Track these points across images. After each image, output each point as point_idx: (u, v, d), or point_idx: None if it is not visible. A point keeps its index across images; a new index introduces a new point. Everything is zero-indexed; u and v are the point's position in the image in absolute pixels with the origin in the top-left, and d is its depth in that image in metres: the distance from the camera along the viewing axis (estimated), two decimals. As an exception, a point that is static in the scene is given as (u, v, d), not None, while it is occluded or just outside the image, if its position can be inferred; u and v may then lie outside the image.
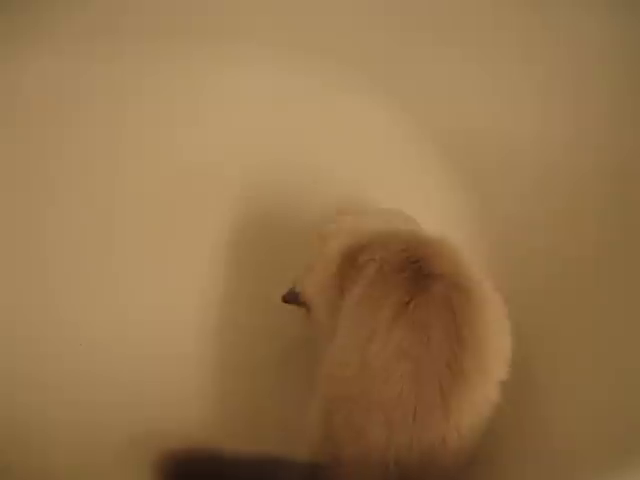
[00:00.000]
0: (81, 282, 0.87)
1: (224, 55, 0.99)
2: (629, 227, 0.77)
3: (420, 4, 0.95)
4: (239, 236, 0.92)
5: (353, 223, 0.73)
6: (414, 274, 0.58)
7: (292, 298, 0.76)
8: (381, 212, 0.79)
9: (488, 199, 0.92)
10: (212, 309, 0.86)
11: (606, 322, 0.72)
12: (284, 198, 0.94)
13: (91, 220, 0.91)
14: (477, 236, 0.89)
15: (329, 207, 0.90)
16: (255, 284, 0.88)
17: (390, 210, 0.79)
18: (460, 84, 0.95)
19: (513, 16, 0.91)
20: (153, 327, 0.83)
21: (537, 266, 0.84)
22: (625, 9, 0.83)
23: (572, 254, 0.81)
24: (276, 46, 0.98)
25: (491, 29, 0.93)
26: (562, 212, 0.85)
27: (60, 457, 0.73)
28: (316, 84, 0.99)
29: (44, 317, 0.83)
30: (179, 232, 0.91)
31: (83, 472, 0.71)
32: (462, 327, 0.56)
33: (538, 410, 0.70)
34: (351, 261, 0.65)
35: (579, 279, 0.79)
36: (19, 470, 0.70)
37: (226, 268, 0.89)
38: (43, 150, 0.93)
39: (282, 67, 0.99)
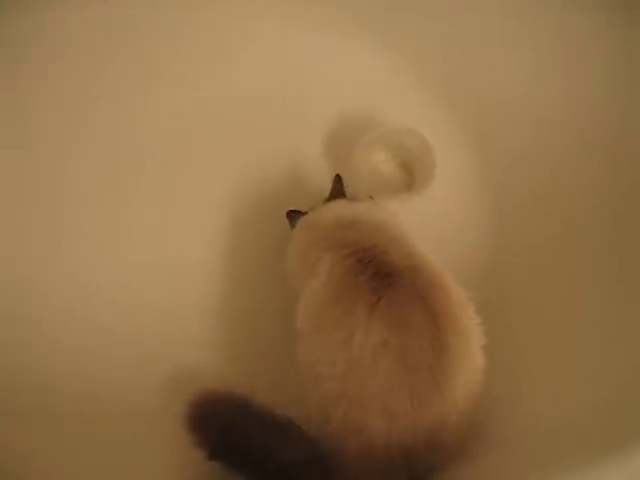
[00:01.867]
0: (89, 231, 0.89)
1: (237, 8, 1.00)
2: (619, 196, 0.80)
3: None
4: (243, 189, 0.93)
5: (339, 207, 0.77)
6: (373, 275, 0.62)
7: (293, 218, 0.81)
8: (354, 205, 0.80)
9: (483, 144, 0.94)
10: (216, 261, 0.88)
11: (591, 298, 0.75)
12: (286, 141, 0.95)
13: (102, 169, 0.93)
14: (469, 188, 0.92)
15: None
16: (258, 238, 0.89)
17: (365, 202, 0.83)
18: (457, 38, 0.96)
19: None
20: (158, 276, 0.86)
21: (529, 232, 0.86)
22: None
23: (561, 220, 0.84)
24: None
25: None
26: (555, 173, 0.87)
27: (62, 403, 0.75)
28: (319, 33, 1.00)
29: (52, 270, 0.86)
30: (186, 186, 0.92)
31: (85, 419, 0.74)
32: (434, 308, 0.60)
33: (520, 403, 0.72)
34: (318, 242, 0.70)
35: (565, 254, 0.81)
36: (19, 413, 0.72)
37: (231, 223, 0.90)
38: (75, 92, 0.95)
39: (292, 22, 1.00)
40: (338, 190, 0.82)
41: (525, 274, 0.82)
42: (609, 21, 0.85)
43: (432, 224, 0.85)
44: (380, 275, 0.62)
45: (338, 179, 0.83)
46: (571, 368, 0.70)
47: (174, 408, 0.65)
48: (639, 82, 0.83)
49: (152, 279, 0.85)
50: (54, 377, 0.77)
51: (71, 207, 0.90)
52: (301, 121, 0.96)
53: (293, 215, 0.81)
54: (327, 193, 0.84)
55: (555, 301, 0.78)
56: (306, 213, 0.80)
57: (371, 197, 0.85)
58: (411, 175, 0.93)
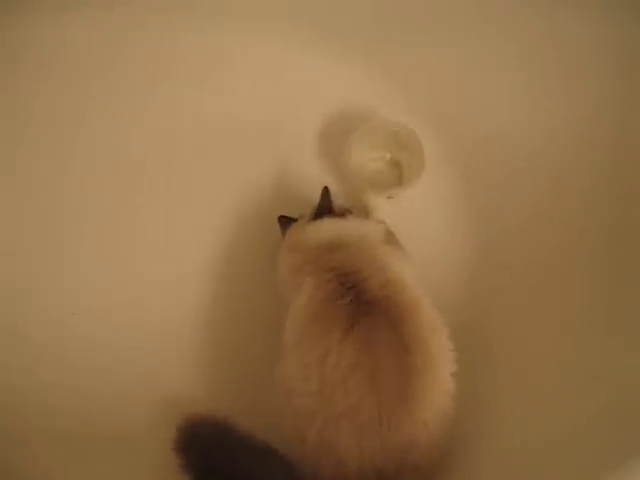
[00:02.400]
0: (86, 244, 0.91)
1: (236, 30, 1.01)
2: (612, 212, 0.81)
3: None
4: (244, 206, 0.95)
5: (323, 228, 0.79)
6: (352, 301, 0.66)
7: (284, 224, 0.84)
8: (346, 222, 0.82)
9: (469, 170, 0.94)
10: (211, 277, 0.90)
11: (576, 321, 0.77)
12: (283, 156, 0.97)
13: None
14: (456, 211, 0.93)
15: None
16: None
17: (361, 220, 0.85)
18: (446, 58, 0.97)
19: (502, 6, 0.92)
20: (154, 292, 0.88)
21: (513, 255, 0.87)
22: (612, 6, 0.84)
23: (554, 239, 0.85)
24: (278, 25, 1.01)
25: (484, 14, 0.94)
26: (546, 194, 0.88)
27: (59, 420, 0.78)
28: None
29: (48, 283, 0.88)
30: (183, 202, 0.94)
31: (82, 436, 0.77)
32: (405, 336, 0.64)
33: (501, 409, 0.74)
34: (302, 266, 0.74)
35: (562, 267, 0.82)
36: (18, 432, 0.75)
37: (227, 237, 0.92)
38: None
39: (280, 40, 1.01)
40: (325, 203, 0.83)
41: (509, 297, 0.84)
42: (603, 43, 0.87)
43: (415, 244, 0.85)
44: (358, 302, 0.66)
45: (326, 191, 0.84)
46: (553, 390, 0.72)
47: (165, 429, 0.68)
48: (632, 107, 0.84)
49: (148, 295, 0.88)
50: (51, 393, 0.80)
51: (68, 218, 0.93)
52: (292, 134, 0.98)
53: (284, 221, 0.85)
54: (316, 202, 0.85)
55: (539, 323, 0.80)
56: (296, 220, 0.83)
57: (349, 211, 0.86)
58: (400, 170, 0.95)
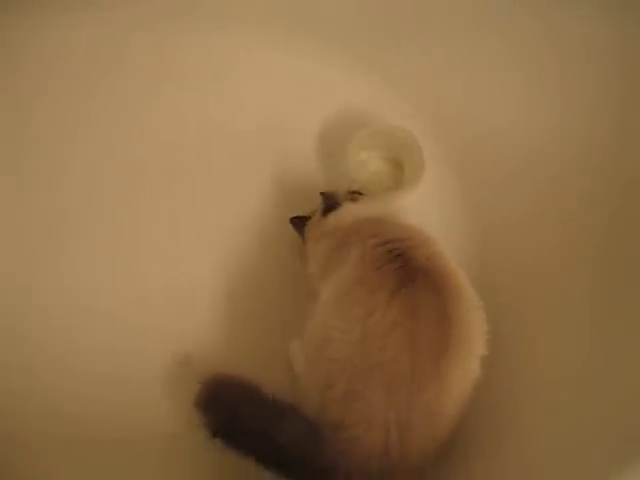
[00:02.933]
0: (90, 248, 0.91)
1: (240, 34, 1.02)
2: (610, 213, 0.82)
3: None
4: (254, 194, 0.95)
5: (355, 208, 0.81)
6: (402, 266, 0.68)
7: (297, 224, 0.86)
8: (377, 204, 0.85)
9: (469, 174, 0.96)
10: (220, 280, 0.89)
11: (578, 318, 0.77)
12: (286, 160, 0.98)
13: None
14: (453, 211, 0.95)
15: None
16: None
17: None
18: (447, 70, 0.99)
19: (502, 10, 0.94)
20: (160, 296, 0.87)
21: (512, 253, 0.89)
22: (610, 6, 0.86)
23: (552, 239, 0.86)
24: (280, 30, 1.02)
25: (480, 18, 0.96)
26: (543, 194, 0.89)
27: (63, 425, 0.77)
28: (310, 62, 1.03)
29: (53, 287, 0.87)
30: (186, 203, 0.94)
31: (86, 441, 0.76)
32: (447, 307, 0.66)
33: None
34: (344, 240, 0.75)
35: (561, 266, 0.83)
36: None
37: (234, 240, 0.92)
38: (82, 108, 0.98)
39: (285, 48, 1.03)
40: (332, 203, 0.84)
41: (505, 297, 0.84)
42: (601, 45, 0.88)
43: None
44: (405, 268, 0.68)
45: (326, 196, 0.86)
46: (553, 387, 0.73)
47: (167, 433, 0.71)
48: (631, 106, 0.85)
49: (151, 298, 0.87)
50: (52, 397, 0.79)
51: (70, 220, 0.92)
52: (293, 138, 1.00)
53: (297, 221, 0.87)
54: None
55: (537, 323, 0.81)
56: (309, 218, 0.85)
57: (360, 193, 0.89)
58: (401, 172, 0.96)
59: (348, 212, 0.81)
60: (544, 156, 0.90)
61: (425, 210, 0.92)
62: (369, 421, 0.63)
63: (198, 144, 0.98)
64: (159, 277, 0.89)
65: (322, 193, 0.87)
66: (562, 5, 0.89)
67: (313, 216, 0.85)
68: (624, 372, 0.68)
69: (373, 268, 0.69)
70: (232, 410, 0.66)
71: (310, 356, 0.71)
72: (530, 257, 0.86)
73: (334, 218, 0.81)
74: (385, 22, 1.00)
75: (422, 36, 0.99)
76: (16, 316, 0.84)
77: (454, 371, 0.63)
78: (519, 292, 0.84)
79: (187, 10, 1.01)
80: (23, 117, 0.96)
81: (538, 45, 0.92)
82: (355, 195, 0.87)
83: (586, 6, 0.87)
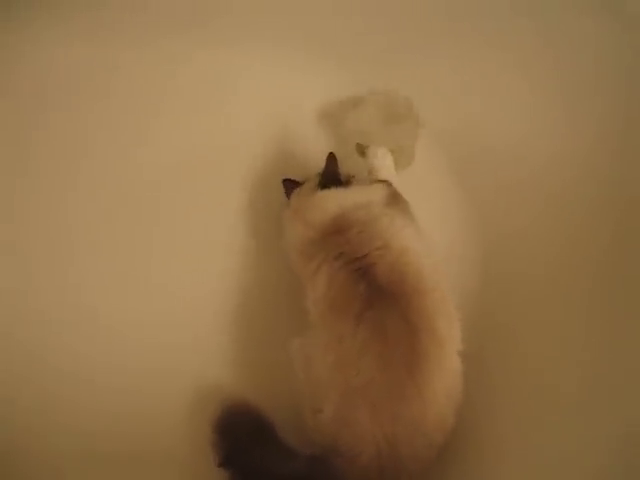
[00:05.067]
0: (96, 262, 0.90)
1: (240, 48, 1.02)
2: (614, 224, 0.82)
3: (415, 8, 0.98)
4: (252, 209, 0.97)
5: (340, 197, 0.82)
6: (367, 286, 0.71)
7: (288, 187, 0.89)
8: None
9: (479, 187, 0.97)
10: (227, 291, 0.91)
11: (577, 338, 0.79)
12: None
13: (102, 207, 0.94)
14: (457, 223, 0.96)
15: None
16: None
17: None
18: (451, 82, 1.00)
19: (507, 19, 0.94)
20: (168, 312, 0.88)
21: (513, 267, 0.90)
22: (619, 19, 0.87)
23: (555, 250, 0.87)
24: (281, 46, 1.02)
25: (484, 29, 0.96)
26: (548, 205, 0.90)
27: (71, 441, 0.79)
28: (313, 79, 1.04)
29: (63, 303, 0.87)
30: (195, 210, 0.95)
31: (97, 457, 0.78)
32: (411, 317, 0.69)
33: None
34: (319, 243, 0.78)
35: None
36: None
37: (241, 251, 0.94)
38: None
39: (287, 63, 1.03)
40: (332, 169, 0.86)
41: (509, 308, 0.86)
42: (607, 54, 0.88)
43: None
44: (371, 287, 0.71)
45: (332, 158, 0.87)
46: (555, 395, 0.74)
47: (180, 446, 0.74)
48: (637, 118, 0.84)
49: (159, 312, 0.88)
50: (72, 413, 0.81)
51: (76, 235, 0.91)
52: (295, 153, 1.01)
53: (289, 184, 0.89)
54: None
55: (539, 334, 0.81)
56: (302, 183, 0.87)
57: (353, 176, 0.88)
58: (398, 135, 0.94)
59: (322, 203, 0.81)
60: (549, 168, 0.90)
61: (426, 221, 0.91)
62: (360, 444, 0.67)
63: (204, 161, 0.98)
64: (164, 289, 0.89)
65: (328, 161, 0.87)
66: (565, 15, 0.90)
67: (307, 182, 0.86)
68: (625, 386, 0.69)
69: (340, 292, 0.72)
70: (244, 446, 0.70)
71: (300, 374, 0.75)
72: (534, 270, 0.87)
73: (320, 200, 0.81)
74: (389, 34, 1.00)
75: (426, 48, 0.99)
76: (17, 327, 0.84)
77: (431, 377, 0.67)
78: (521, 305, 0.85)
79: (188, 26, 1.00)
80: (22, 135, 0.94)
81: (542, 55, 0.93)
82: (351, 179, 0.86)
83: (589, 14, 0.88)
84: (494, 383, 0.79)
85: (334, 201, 0.81)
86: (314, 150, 0.98)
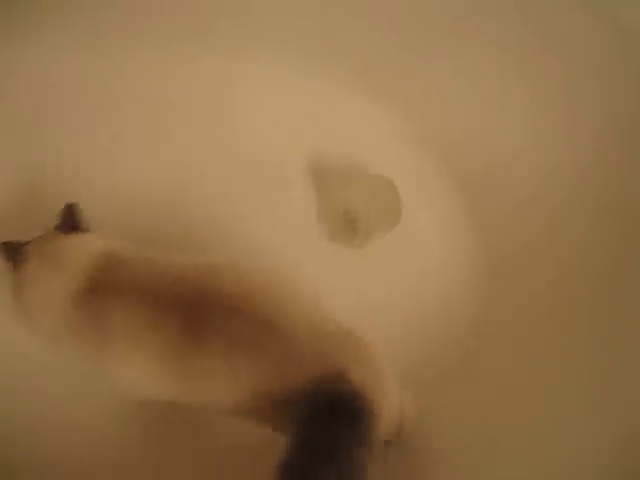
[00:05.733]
0: None
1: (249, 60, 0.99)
2: (619, 240, 0.81)
3: (418, 17, 0.94)
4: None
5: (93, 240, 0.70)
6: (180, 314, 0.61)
7: (8, 249, 0.70)
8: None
9: (482, 202, 0.94)
10: None
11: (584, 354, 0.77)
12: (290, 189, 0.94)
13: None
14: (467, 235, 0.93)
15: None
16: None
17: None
18: (457, 91, 0.97)
19: (509, 25, 0.91)
20: None
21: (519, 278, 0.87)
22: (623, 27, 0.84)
23: (560, 268, 0.85)
24: (290, 52, 0.99)
25: (489, 37, 0.93)
26: (553, 223, 0.88)
27: None
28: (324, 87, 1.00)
29: None
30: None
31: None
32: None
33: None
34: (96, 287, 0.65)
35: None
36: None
37: None
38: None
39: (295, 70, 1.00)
40: (70, 220, 0.71)
41: (514, 330, 0.83)
42: (610, 64, 0.86)
43: (419, 277, 0.88)
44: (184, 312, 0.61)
45: (69, 208, 0.72)
46: (553, 426, 0.72)
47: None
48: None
49: None
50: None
51: None
52: (300, 166, 0.96)
53: (8, 247, 0.70)
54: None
55: (545, 356, 0.79)
56: (27, 243, 0.70)
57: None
58: (375, 218, 0.90)
59: (82, 244, 0.68)
60: (553, 183, 0.88)
61: (431, 241, 0.91)
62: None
63: (213, 175, 0.93)
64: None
65: (67, 210, 0.72)
66: (568, 24, 0.87)
67: (43, 236, 0.70)
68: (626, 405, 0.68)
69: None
70: None
71: None
72: (536, 288, 0.84)
73: (75, 243, 0.68)
74: (392, 48, 0.96)
75: (431, 63, 0.96)
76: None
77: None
78: (528, 324, 0.82)
79: (192, 35, 0.97)
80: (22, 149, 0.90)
81: (546, 68, 0.90)
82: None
83: (599, 28, 0.85)
84: (494, 407, 0.76)
85: (91, 242, 0.69)
86: (325, 157, 0.96)
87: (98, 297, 0.63)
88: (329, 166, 0.95)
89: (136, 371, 0.62)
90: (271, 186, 0.94)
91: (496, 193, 0.92)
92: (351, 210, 0.87)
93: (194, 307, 0.61)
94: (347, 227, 0.88)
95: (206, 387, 0.61)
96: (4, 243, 0.70)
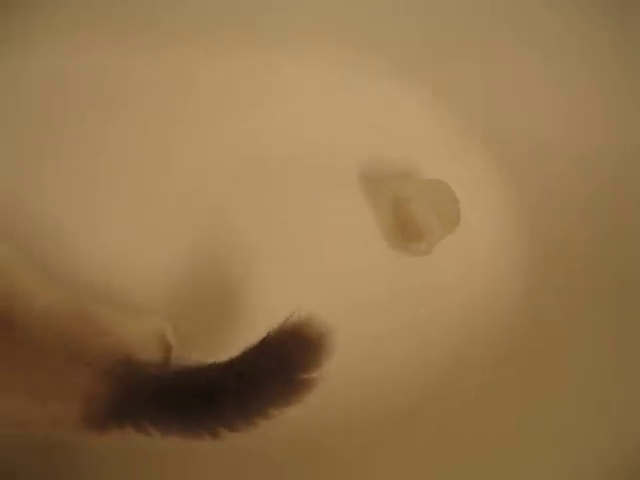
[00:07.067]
0: None
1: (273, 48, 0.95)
2: None
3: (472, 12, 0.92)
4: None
5: None
6: None
7: None
8: None
9: (519, 187, 0.93)
10: None
11: None
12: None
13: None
14: (508, 233, 0.92)
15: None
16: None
17: None
18: (494, 76, 0.95)
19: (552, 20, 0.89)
20: None
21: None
22: None
23: (615, 257, 0.84)
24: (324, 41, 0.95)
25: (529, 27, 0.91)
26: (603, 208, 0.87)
27: None
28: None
29: None
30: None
31: None
32: None
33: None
34: None
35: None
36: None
37: None
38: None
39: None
40: None
41: (562, 325, 0.83)
42: None
43: (465, 269, 0.88)
44: None
45: None
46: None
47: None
48: None
49: None
50: None
51: None
52: (335, 170, 0.93)
53: None
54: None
55: (593, 353, 0.79)
56: None
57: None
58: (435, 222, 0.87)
59: None
60: (601, 169, 0.87)
61: (477, 233, 0.91)
62: None
63: (233, 177, 0.88)
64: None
65: None
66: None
67: None
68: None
69: None
70: None
71: None
72: (587, 278, 0.84)
73: None
74: (439, 35, 0.93)
75: (474, 48, 0.93)
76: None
77: None
78: (570, 321, 0.82)
79: (211, 28, 0.92)
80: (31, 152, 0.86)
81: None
82: None
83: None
84: (544, 388, 0.77)
85: None
86: (378, 162, 0.93)
87: None
88: (382, 171, 0.93)
89: None
90: (320, 189, 0.91)
91: (547, 191, 0.91)
92: (411, 216, 0.85)
93: None
94: (413, 235, 0.86)
95: None
96: None
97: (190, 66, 0.93)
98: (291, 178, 0.91)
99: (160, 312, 0.78)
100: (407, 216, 0.85)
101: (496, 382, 0.80)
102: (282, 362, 0.54)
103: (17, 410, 0.57)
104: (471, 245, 0.91)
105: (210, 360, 0.55)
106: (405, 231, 0.86)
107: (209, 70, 0.94)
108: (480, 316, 0.86)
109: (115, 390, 0.54)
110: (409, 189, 0.86)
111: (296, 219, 0.89)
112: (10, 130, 0.86)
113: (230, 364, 0.54)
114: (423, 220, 0.84)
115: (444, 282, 0.88)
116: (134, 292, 0.80)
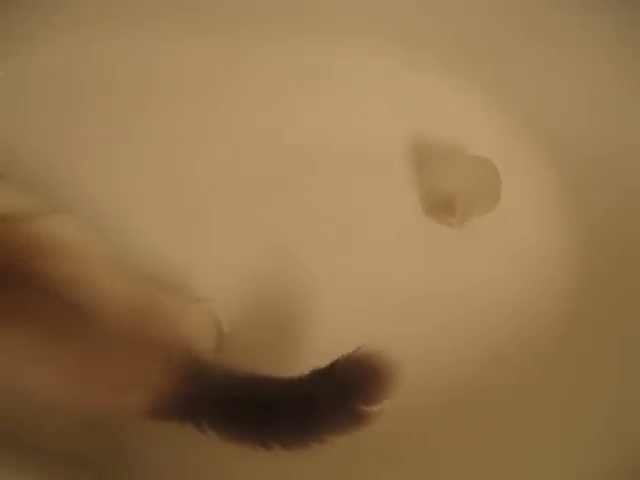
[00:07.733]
0: None
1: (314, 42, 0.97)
2: None
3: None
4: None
5: None
6: None
7: None
8: None
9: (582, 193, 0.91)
10: None
11: None
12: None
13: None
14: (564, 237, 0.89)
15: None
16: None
17: None
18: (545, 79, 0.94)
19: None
20: None
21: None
22: None
23: None
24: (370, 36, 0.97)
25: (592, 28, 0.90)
26: None
27: None
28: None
29: None
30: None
31: None
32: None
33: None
34: None
35: None
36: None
37: None
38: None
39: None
40: None
41: (611, 322, 0.80)
42: None
43: (515, 267, 0.86)
44: None
45: None
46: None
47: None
48: None
49: None
50: None
51: None
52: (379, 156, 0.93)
53: None
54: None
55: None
56: None
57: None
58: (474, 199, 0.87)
59: None
60: None
61: (525, 225, 0.89)
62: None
63: (279, 171, 0.87)
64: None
65: None
66: None
67: None
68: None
69: None
70: None
71: None
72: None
73: None
74: (489, 32, 0.93)
75: (531, 48, 0.93)
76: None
77: None
78: (621, 325, 0.79)
79: (255, 16, 0.94)
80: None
81: None
82: None
83: None
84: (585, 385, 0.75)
85: None
86: (424, 139, 0.93)
87: None
88: (428, 148, 0.93)
89: None
90: (370, 167, 0.91)
91: (599, 185, 0.88)
92: (450, 190, 0.85)
93: None
94: (446, 206, 0.85)
95: None
96: None
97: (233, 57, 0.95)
98: (345, 170, 0.91)
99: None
100: (446, 189, 0.85)
101: (533, 372, 0.78)
102: (347, 390, 0.54)
103: (97, 399, 0.58)
104: (512, 229, 0.89)
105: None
106: (439, 201, 0.86)
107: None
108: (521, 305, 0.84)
109: (184, 387, 0.56)
110: (452, 164, 0.88)
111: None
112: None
113: (297, 382, 0.55)
114: (461, 194, 0.84)
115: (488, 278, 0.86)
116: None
